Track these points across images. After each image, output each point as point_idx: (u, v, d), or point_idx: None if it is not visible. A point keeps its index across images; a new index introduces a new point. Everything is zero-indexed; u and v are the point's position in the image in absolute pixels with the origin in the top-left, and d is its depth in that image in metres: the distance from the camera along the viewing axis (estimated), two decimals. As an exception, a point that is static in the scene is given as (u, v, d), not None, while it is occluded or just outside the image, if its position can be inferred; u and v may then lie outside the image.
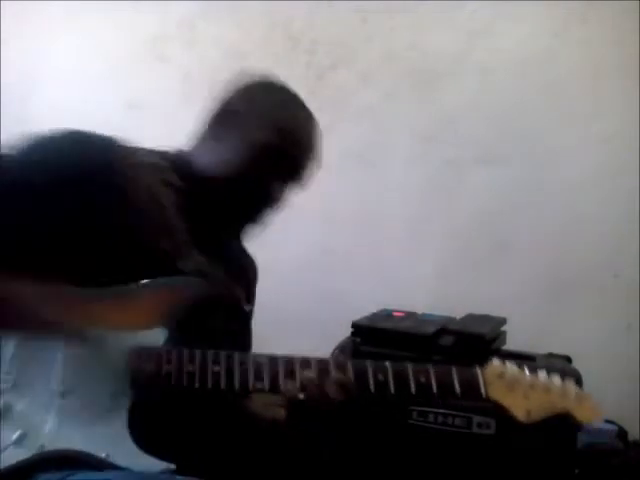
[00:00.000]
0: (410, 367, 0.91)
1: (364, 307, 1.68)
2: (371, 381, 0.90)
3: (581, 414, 0.92)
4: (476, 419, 1.35)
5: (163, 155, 1.09)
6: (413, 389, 0.90)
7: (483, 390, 0.91)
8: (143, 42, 2.36)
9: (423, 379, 0.90)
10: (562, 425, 1.30)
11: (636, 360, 1.88)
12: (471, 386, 0.91)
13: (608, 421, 1.77)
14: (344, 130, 2.22)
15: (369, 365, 0.91)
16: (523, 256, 2.07)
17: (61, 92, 2.41)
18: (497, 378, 0.91)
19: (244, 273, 1.19)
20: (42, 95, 2.42)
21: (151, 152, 1.08)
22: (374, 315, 1.65)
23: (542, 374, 0.93)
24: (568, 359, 1.50)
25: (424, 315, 1.67)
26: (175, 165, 1.08)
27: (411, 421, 1.38)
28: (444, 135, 2.16)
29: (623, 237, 1.98)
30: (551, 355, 1.51)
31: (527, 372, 0.93)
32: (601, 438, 1.69)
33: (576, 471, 1.40)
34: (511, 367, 0.93)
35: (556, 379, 0.93)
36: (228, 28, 2.28)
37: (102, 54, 2.40)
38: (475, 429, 1.34)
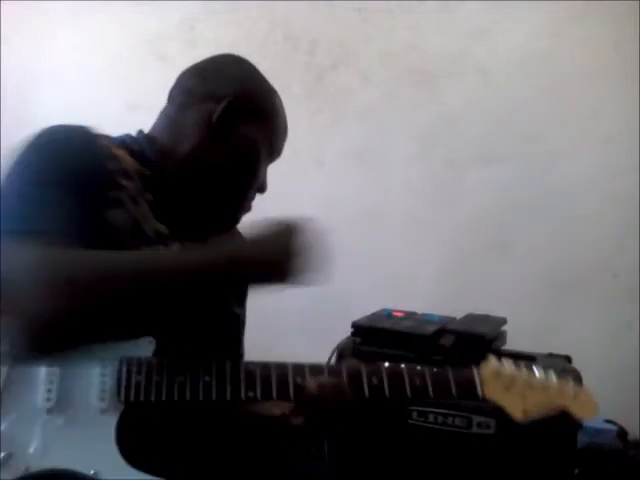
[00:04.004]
0: (405, 369, 0.90)
1: (364, 307, 1.68)
2: (365, 386, 0.88)
3: (579, 411, 0.91)
4: (476, 419, 1.35)
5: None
6: (409, 392, 0.89)
7: (479, 390, 0.90)
8: (143, 42, 2.37)
9: (418, 381, 0.89)
10: (562, 425, 1.30)
11: (636, 360, 1.88)
12: (467, 387, 0.90)
13: (608, 421, 1.77)
14: (344, 130, 2.22)
15: (363, 369, 0.89)
16: (523, 256, 2.07)
17: (61, 92, 2.41)
18: (494, 377, 0.91)
19: None
20: (42, 95, 2.42)
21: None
22: (374, 315, 1.64)
23: (539, 371, 0.92)
24: (568, 359, 1.50)
25: (424, 315, 1.67)
26: (132, 149, 0.98)
27: (411, 421, 1.38)
28: (444, 135, 2.16)
29: (623, 237, 1.98)
30: (551, 355, 1.50)
31: (524, 370, 0.92)
32: (601, 438, 1.69)
33: (576, 471, 1.40)
34: (508, 365, 0.93)
35: (552, 376, 0.92)
36: (228, 28, 2.28)
37: (102, 54, 2.40)
38: (475, 429, 1.34)
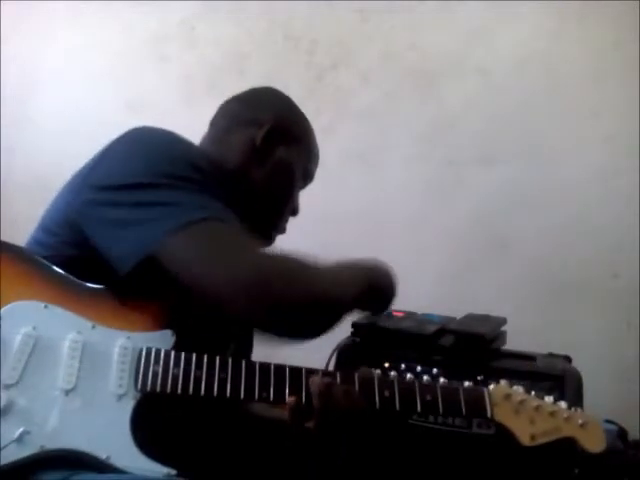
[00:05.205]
0: (417, 384, 0.92)
1: (364, 307, 1.67)
2: (377, 397, 0.90)
3: (586, 442, 0.91)
4: (476, 419, 1.34)
5: None
6: (419, 407, 0.91)
7: (489, 411, 0.92)
8: (143, 42, 2.36)
9: (429, 397, 0.91)
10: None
11: (636, 360, 1.88)
12: (477, 406, 0.92)
13: (608, 421, 1.76)
14: (344, 130, 2.22)
15: (376, 379, 0.91)
16: (523, 256, 2.07)
17: (61, 92, 2.41)
18: (503, 399, 0.92)
19: None
20: (42, 95, 2.42)
21: None
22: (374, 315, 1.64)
23: (548, 398, 0.93)
24: (568, 359, 1.50)
25: (424, 315, 1.67)
26: None
27: (411, 421, 1.38)
28: (444, 135, 2.16)
29: (623, 237, 1.98)
30: (551, 355, 1.50)
31: (534, 395, 0.93)
32: (601, 438, 1.68)
33: (576, 471, 1.40)
34: (518, 389, 0.94)
35: (562, 404, 0.93)
36: (228, 28, 2.28)
37: (102, 54, 2.40)
38: (475, 429, 1.34)
